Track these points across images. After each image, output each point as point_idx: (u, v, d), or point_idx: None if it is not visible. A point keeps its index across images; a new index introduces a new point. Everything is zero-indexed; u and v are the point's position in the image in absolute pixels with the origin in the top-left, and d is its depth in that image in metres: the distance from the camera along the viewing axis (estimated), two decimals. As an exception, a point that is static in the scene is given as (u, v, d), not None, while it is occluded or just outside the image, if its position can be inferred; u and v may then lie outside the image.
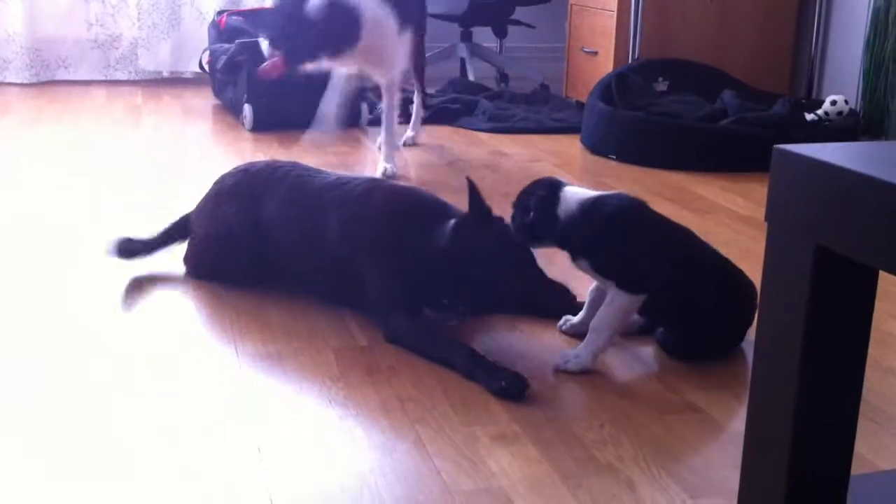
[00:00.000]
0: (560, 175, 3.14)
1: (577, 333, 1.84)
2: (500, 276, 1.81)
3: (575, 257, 1.76)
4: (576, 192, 1.76)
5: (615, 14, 3.91)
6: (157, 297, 2.02)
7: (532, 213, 1.73)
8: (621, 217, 1.74)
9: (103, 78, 4.77)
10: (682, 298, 1.76)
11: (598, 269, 1.74)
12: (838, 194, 0.87)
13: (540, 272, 1.85)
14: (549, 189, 1.76)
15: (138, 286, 2.08)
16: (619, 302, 1.71)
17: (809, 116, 3.48)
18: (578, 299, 1.93)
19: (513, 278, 1.82)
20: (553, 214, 1.73)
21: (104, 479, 1.34)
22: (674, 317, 1.81)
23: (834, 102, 3.49)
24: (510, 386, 1.61)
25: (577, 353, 1.72)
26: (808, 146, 0.93)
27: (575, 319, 1.89)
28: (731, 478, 1.37)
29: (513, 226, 1.78)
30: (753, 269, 1.80)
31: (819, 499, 0.99)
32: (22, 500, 1.29)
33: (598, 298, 1.81)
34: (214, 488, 1.33)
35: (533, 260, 1.84)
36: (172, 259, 2.22)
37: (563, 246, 1.76)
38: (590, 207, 1.73)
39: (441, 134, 3.80)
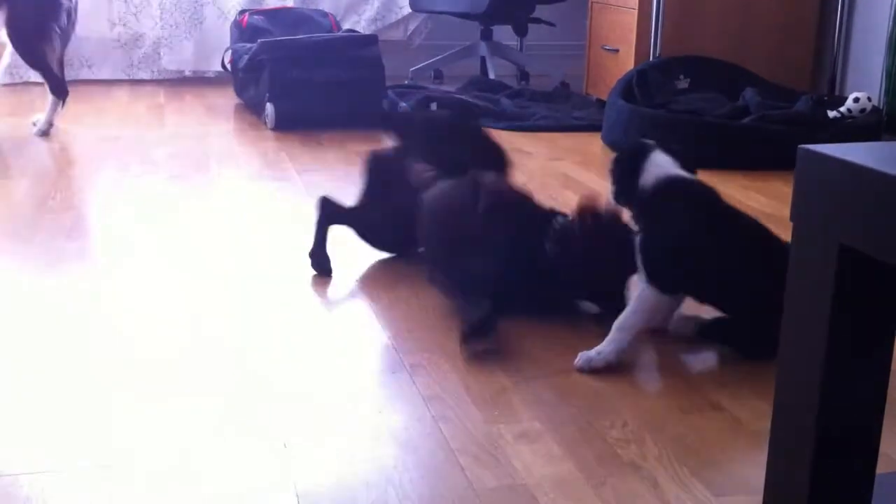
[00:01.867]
0: (581, 173, 3.15)
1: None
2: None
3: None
4: (658, 166, 1.70)
5: (636, 11, 3.91)
6: (181, 298, 2.04)
7: (614, 184, 1.72)
8: (678, 206, 1.69)
9: (126, 77, 4.81)
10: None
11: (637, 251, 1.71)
12: (862, 194, 0.88)
13: None
14: (632, 156, 1.71)
15: (156, 287, 2.10)
16: (643, 296, 1.69)
17: (832, 114, 3.46)
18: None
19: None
20: (632, 184, 1.70)
21: (127, 477, 1.35)
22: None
23: (857, 99, 3.47)
24: (478, 324, 1.76)
25: (599, 349, 1.72)
26: (833, 146, 0.93)
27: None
28: (755, 476, 1.38)
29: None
30: (776, 268, 1.80)
31: (844, 498, 0.99)
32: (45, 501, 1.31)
33: None
34: (241, 483, 1.34)
35: None
36: (186, 261, 2.24)
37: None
38: (659, 186, 1.68)
39: (462, 132, 3.80)
